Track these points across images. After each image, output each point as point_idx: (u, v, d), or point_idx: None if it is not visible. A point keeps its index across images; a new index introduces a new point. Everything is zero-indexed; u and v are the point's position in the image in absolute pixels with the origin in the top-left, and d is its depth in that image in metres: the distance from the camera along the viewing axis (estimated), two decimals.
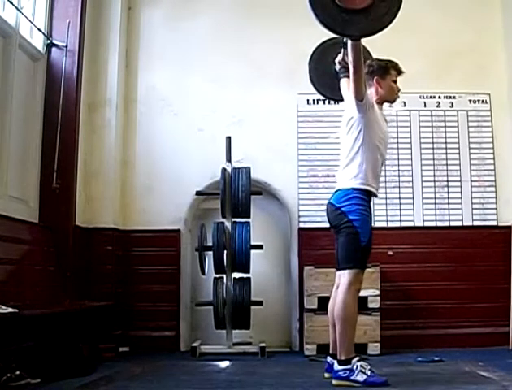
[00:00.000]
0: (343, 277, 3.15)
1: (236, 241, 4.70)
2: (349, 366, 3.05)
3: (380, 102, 3.32)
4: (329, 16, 2.78)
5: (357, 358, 3.08)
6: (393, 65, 3.33)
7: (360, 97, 3.08)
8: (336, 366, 3.10)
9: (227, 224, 4.79)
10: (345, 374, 3.05)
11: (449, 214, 5.19)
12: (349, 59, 3.01)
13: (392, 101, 3.43)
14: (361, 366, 3.05)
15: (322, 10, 2.78)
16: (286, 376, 3.60)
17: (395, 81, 3.32)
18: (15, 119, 4.23)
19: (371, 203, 3.25)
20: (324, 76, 3.62)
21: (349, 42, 2.95)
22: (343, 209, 3.16)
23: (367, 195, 3.20)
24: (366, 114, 3.14)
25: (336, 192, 3.26)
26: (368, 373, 3.03)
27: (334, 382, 3.09)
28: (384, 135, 3.28)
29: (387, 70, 3.30)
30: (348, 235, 3.14)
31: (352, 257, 3.13)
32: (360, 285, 3.19)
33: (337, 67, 3.46)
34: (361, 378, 3.02)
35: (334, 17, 2.78)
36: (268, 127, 5.27)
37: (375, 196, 3.27)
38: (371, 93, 3.26)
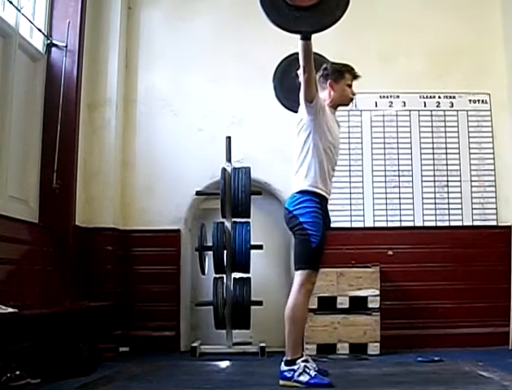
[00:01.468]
0: (295, 278, 3.18)
1: (236, 241, 4.70)
2: (293, 367, 3.08)
3: (334, 106, 3.32)
4: (280, 15, 2.83)
5: (302, 359, 3.10)
6: (348, 69, 3.32)
7: (310, 98, 3.07)
8: (283, 367, 3.13)
9: (227, 224, 4.79)
10: (290, 375, 3.08)
11: (448, 214, 5.19)
12: (300, 60, 2.99)
13: (345, 105, 3.43)
14: (305, 366, 3.07)
15: (272, 10, 2.82)
16: None
17: (350, 85, 3.32)
18: (15, 119, 4.23)
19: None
20: (290, 91, 3.57)
21: (299, 42, 2.93)
22: (295, 212, 3.19)
23: (319, 198, 3.20)
24: (317, 117, 3.14)
25: (290, 196, 3.28)
26: (312, 374, 3.04)
27: (280, 382, 3.11)
28: (334, 139, 3.26)
29: (341, 73, 3.30)
30: (299, 237, 3.17)
31: (303, 258, 3.16)
32: (312, 286, 3.20)
33: (300, 78, 3.44)
34: (304, 378, 3.04)
35: (285, 15, 2.82)
36: (268, 127, 5.26)
37: (326, 199, 3.26)
38: (325, 96, 3.27)
